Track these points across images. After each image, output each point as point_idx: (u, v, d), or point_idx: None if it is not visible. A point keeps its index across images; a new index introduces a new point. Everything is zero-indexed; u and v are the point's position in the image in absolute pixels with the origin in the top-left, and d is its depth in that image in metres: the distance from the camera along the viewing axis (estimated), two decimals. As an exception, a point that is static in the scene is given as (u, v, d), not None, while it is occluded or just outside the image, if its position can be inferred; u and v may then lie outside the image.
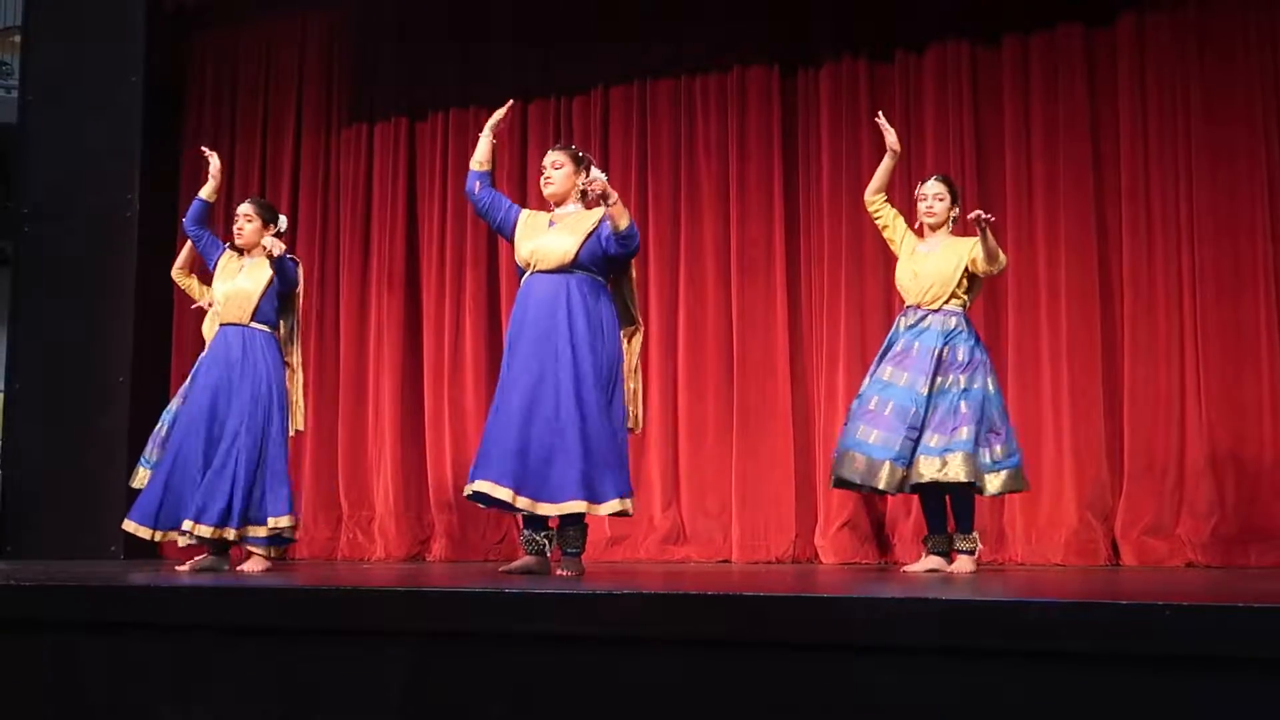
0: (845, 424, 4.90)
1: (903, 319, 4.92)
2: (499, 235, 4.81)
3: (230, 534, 4.93)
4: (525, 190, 6.72)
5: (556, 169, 4.55)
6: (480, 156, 4.64)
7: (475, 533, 6.83)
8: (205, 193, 5.28)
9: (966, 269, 4.82)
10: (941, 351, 4.76)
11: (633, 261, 4.62)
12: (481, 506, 4.60)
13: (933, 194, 4.95)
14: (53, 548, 6.48)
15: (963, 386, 4.74)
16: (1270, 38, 5.84)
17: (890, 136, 4.94)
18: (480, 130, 4.71)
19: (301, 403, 5.31)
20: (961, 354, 4.78)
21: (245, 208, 5.25)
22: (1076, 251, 6.04)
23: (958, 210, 4.99)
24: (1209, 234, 5.84)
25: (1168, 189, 5.94)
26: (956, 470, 4.63)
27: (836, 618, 2.58)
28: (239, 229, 5.18)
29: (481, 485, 4.33)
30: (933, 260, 4.87)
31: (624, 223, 4.37)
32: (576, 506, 4.31)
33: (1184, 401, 5.82)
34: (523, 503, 4.32)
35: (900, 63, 6.45)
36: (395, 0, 7.48)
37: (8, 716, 3.17)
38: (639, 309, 4.74)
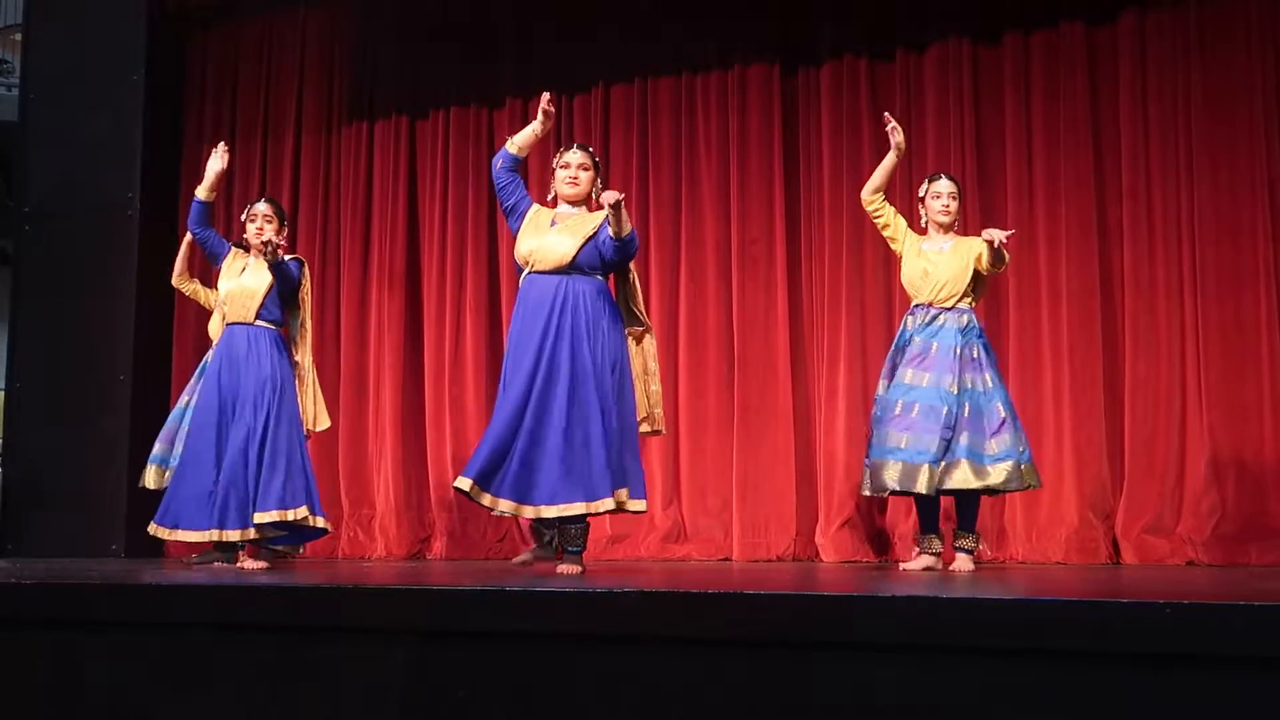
0: (873, 431, 4.84)
1: (911, 318, 4.91)
2: (504, 213, 4.71)
3: (239, 535, 4.94)
4: (527, 189, 6.69)
5: (584, 170, 4.55)
6: (521, 142, 4.54)
7: (476, 531, 6.83)
8: (203, 192, 5.26)
9: (974, 267, 4.83)
10: (961, 350, 4.76)
11: (632, 265, 4.62)
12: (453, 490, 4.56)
13: (948, 193, 4.95)
14: (53, 546, 6.49)
15: (990, 386, 4.75)
16: (1271, 36, 5.84)
17: (897, 136, 4.90)
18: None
19: (319, 399, 5.31)
20: (978, 351, 4.79)
21: (265, 209, 5.23)
22: (1077, 250, 6.04)
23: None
24: (1210, 232, 5.85)
25: (1169, 187, 5.94)
26: (1002, 477, 4.66)
27: (837, 616, 2.57)
28: (259, 229, 5.17)
29: (461, 483, 4.30)
30: (945, 259, 4.86)
31: (626, 229, 4.38)
32: (571, 509, 4.30)
33: (1185, 400, 5.83)
34: (505, 506, 4.31)
35: (901, 61, 6.45)
36: (396, -2, 7.50)
37: (8, 715, 3.18)
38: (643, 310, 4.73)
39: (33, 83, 7.27)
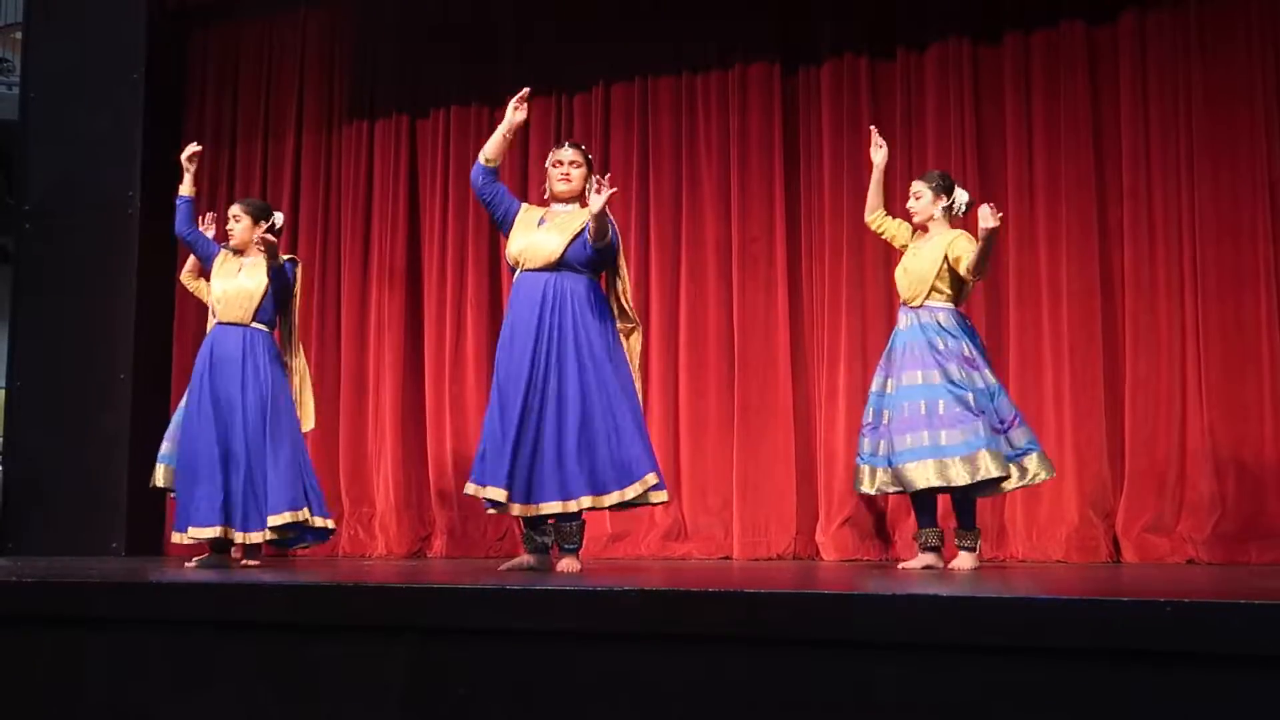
0: (894, 434, 4.78)
1: (900, 318, 4.97)
2: (496, 225, 4.81)
3: (237, 535, 4.94)
4: (526, 187, 6.71)
5: (576, 168, 4.58)
6: (490, 152, 4.61)
7: (476, 529, 6.84)
8: (185, 189, 5.31)
9: (948, 263, 4.82)
10: (943, 345, 4.77)
11: (623, 261, 4.64)
12: (488, 510, 4.60)
13: (912, 193, 5.02)
14: (54, 545, 6.49)
15: (992, 383, 4.76)
16: (1271, 36, 5.83)
17: (877, 156, 5.04)
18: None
19: (307, 400, 5.32)
20: (965, 348, 4.78)
21: (235, 208, 5.29)
22: (1078, 249, 6.03)
23: (962, 198, 4.99)
24: (1210, 232, 5.84)
25: (1169, 187, 5.94)
26: (1039, 471, 4.72)
27: (837, 615, 2.57)
28: (229, 229, 5.22)
29: (471, 489, 4.41)
30: (917, 257, 4.91)
31: (604, 238, 4.41)
32: (573, 505, 4.32)
33: (1185, 399, 5.82)
34: (516, 509, 4.34)
35: (902, 60, 6.45)
36: (396, -3, 7.50)
37: (8, 713, 3.18)
38: (636, 308, 4.76)
39: (33, 81, 7.27)
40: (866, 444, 4.87)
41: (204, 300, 6.15)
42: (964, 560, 4.76)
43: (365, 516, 7.11)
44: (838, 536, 6.16)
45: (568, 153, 4.61)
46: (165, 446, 5.97)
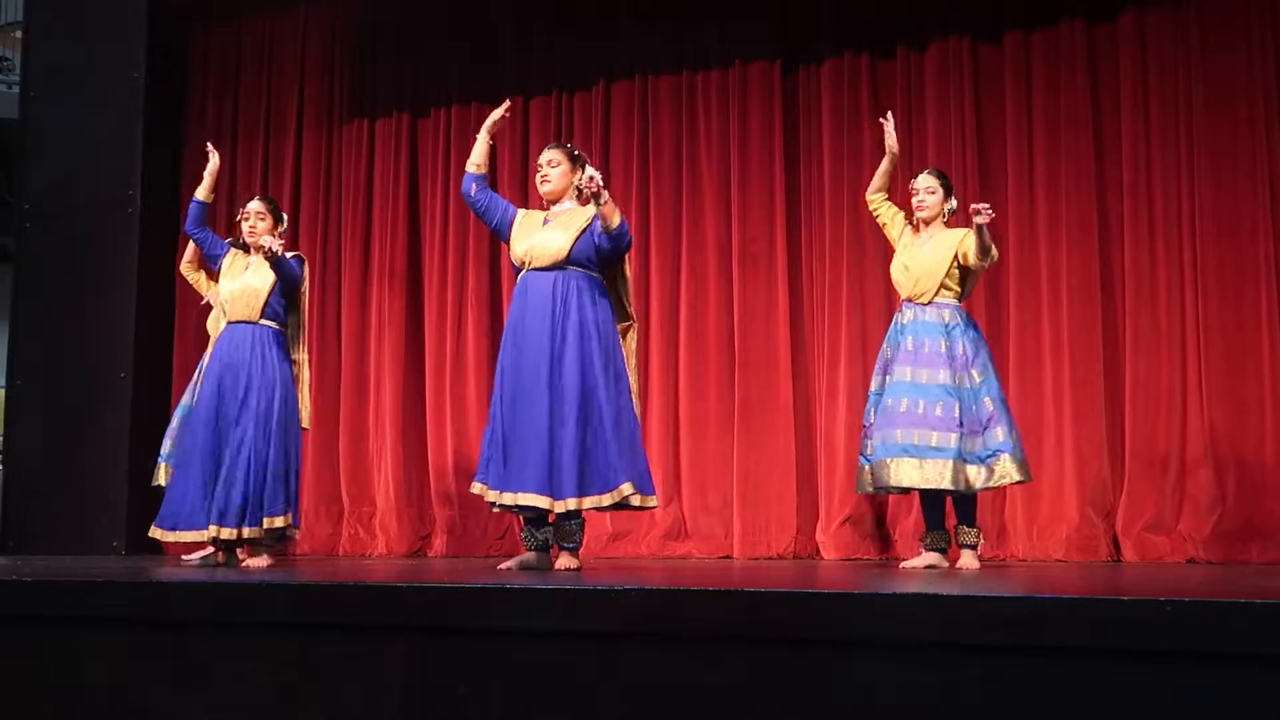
0: (876, 430, 4.79)
1: (899, 315, 4.93)
2: (494, 233, 4.84)
3: (235, 534, 4.94)
4: (526, 188, 6.71)
5: (553, 167, 4.57)
6: (476, 159, 4.64)
7: (477, 528, 6.84)
8: (201, 193, 5.29)
9: (958, 261, 4.82)
10: (945, 346, 4.76)
11: (627, 258, 4.64)
12: (494, 511, 4.60)
13: (924, 188, 4.96)
14: (55, 543, 6.49)
15: (977, 382, 4.75)
16: (1272, 34, 5.84)
17: (890, 139, 4.96)
18: (480, 127, 4.71)
19: (308, 399, 5.33)
20: (962, 348, 4.77)
21: (257, 206, 5.24)
22: (1078, 247, 6.04)
23: (954, 203, 4.99)
24: (1210, 230, 5.84)
25: (1169, 185, 5.94)
26: (1007, 473, 4.70)
27: (838, 614, 2.57)
28: (252, 227, 5.18)
29: (477, 488, 4.43)
30: (923, 254, 4.88)
31: (615, 221, 4.40)
32: (573, 503, 4.32)
33: (1185, 397, 5.82)
34: (526, 499, 4.33)
35: (902, 59, 6.45)
36: (396, -4, 7.50)
37: (8, 712, 3.18)
38: (635, 305, 4.76)
39: (34, 80, 7.26)
40: (869, 445, 4.88)
41: (201, 293, 6.15)
42: (968, 559, 4.75)
43: (365, 515, 7.12)
44: (838, 536, 6.16)
45: (545, 154, 4.62)
46: (167, 445, 5.98)
